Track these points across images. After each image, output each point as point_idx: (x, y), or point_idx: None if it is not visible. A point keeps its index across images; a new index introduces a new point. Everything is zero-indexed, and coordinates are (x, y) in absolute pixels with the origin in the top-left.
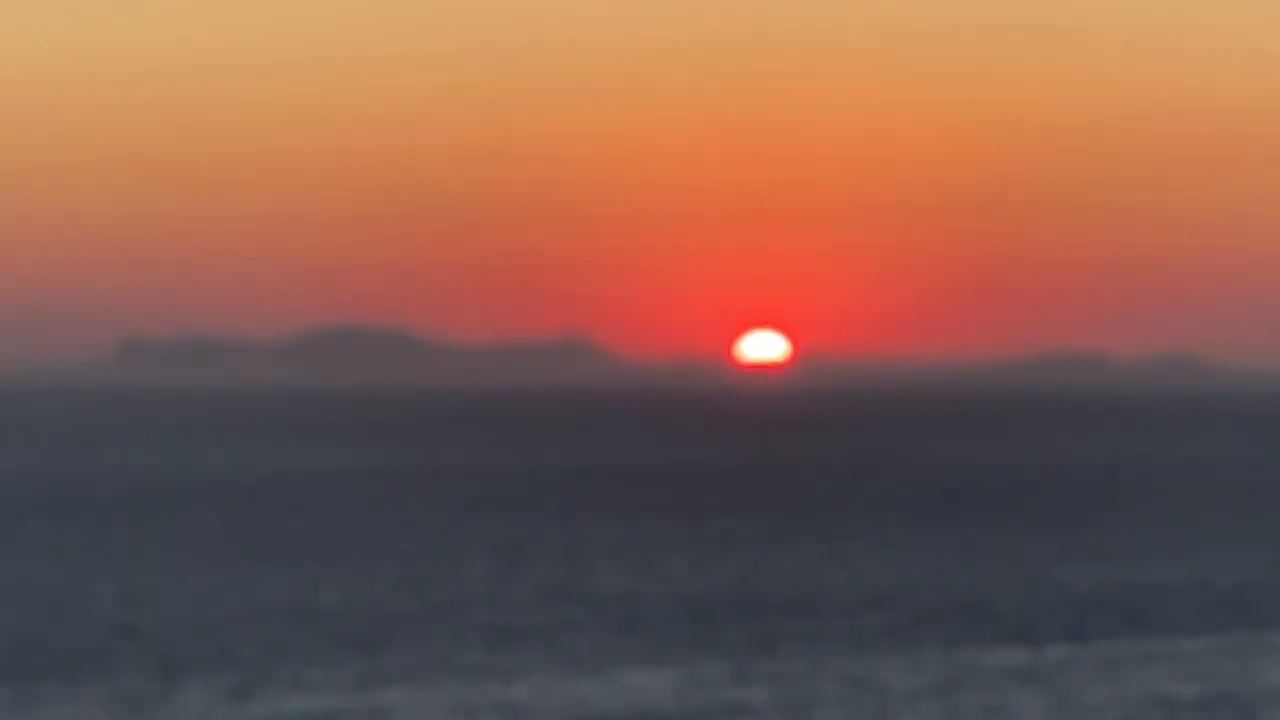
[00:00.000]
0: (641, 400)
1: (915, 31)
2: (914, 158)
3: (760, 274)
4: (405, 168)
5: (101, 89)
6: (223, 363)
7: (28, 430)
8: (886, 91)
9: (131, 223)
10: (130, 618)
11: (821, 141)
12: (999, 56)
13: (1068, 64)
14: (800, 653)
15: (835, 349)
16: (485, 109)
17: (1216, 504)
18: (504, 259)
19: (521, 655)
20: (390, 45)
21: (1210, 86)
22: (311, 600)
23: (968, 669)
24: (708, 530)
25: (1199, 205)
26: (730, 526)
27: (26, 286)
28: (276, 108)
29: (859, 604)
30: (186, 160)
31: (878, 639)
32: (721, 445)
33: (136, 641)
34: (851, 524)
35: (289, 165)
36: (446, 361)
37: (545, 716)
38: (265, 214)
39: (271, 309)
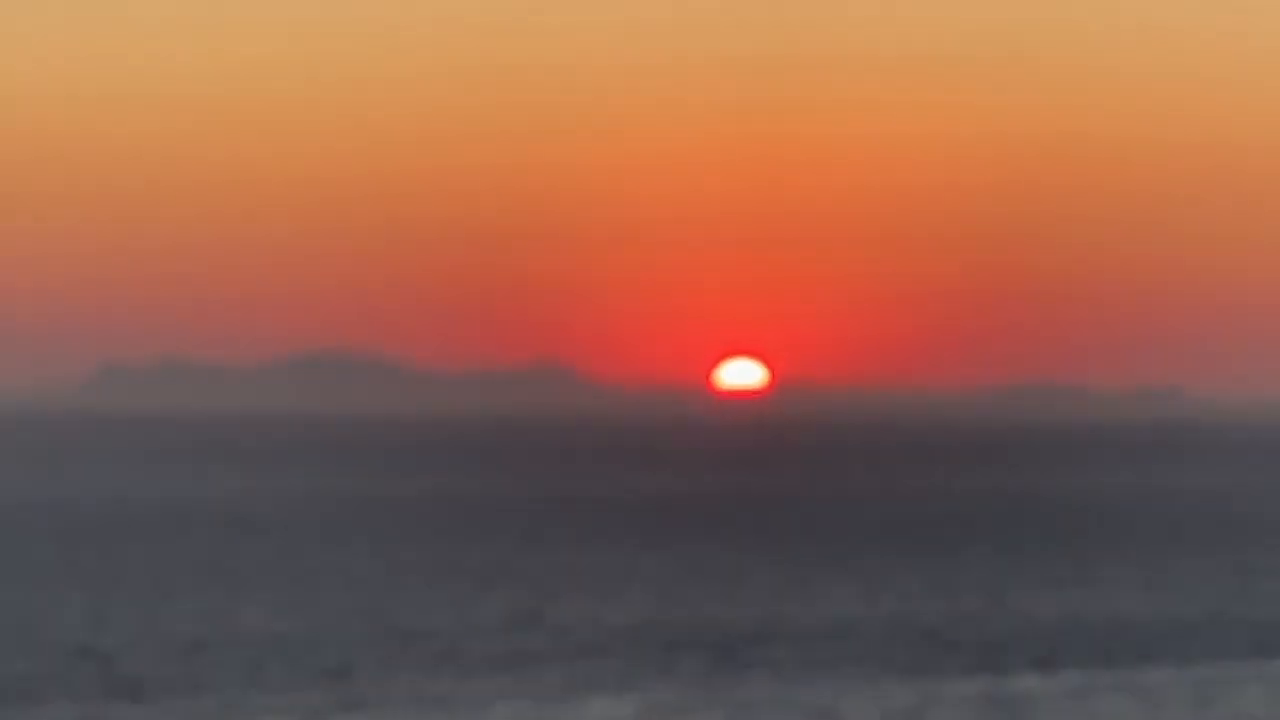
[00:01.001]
0: (616, 427)
1: (897, 62)
2: (894, 188)
3: (739, 301)
4: (383, 193)
5: (79, 113)
6: (200, 388)
7: (2, 454)
8: (867, 121)
9: (109, 246)
10: (97, 642)
11: (802, 170)
12: (982, 88)
13: (1051, 97)
14: (764, 682)
15: (814, 377)
16: (462, 135)
17: (1188, 535)
18: (480, 284)
19: (486, 683)
20: (370, 70)
21: (1196, 121)
22: (279, 627)
23: (933, 699)
24: (676, 558)
25: (1181, 238)
26: (699, 555)
27: (3, 310)
28: (256, 133)
29: (824, 633)
30: (164, 185)
31: (842, 668)
32: (694, 473)
33: (102, 666)
34: (820, 553)
35: (266, 190)
36: (423, 387)
37: None
38: (242, 239)
39: (249, 334)
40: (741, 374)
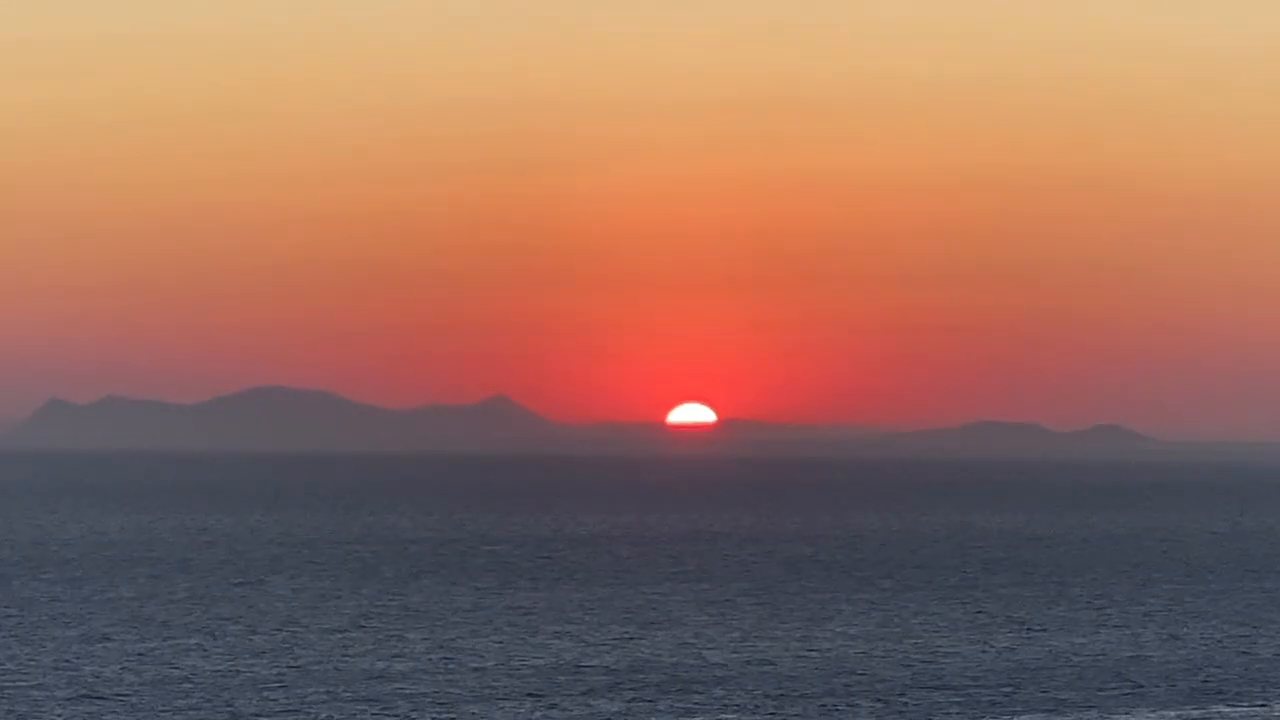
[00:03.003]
0: (568, 463)
1: (847, 100)
2: (848, 227)
3: (688, 342)
4: (329, 231)
5: (23, 151)
6: (142, 425)
7: None
8: (817, 161)
9: (54, 285)
10: (55, 684)
11: (749, 211)
12: (928, 122)
13: (1003, 130)
14: None
15: (766, 416)
16: (413, 172)
17: (1149, 575)
18: (433, 322)
19: None
20: (320, 105)
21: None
22: (241, 668)
23: None
24: (638, 598)
25: (1136, 279)
26: (661, 595)
27: None
28: (198, 167)
29: (785, 675)
30: (105, 225)
31: (803, 712)
32: (651, 511)
33: (52, 709)
34: (781, 594)
35: (210, 227)
36: (371, 424)
37: None
38: (188, 278)
39: (193, 372)
40: (691, 413)
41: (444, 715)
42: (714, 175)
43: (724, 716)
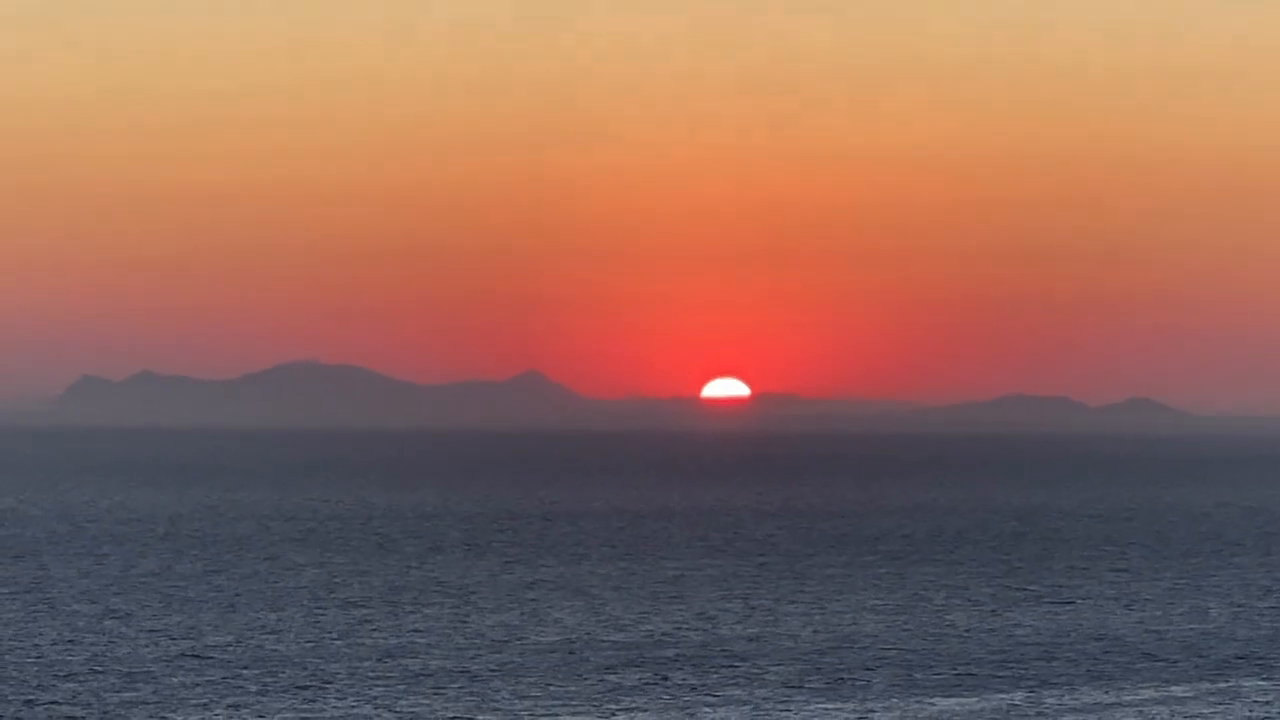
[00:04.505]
0: (599, 438)
1: (885, 75)
2: (881, 202)
3: (722, 316)
4: (361, 208)
5: (57, 129)
6: (175, 402)
7: None
8: (852, 136)
9: (88, 261)
10: (69, 660)
11: (785, 187)
12: (958, 100)
13: (1035, 105)
14: (746, 700)
15: (800, 391)
16: (449, 148)
17: (1171, 550)
18: (466, 298)
19: (462, 702)
20: (351, 84)
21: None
22: (253, 644)
23: (912, 718)
24: (660, 573)
25: (1168, 252)
26: (683, 570)
27: None
28: (232, 143)
29: (807, 650)
30: (140, 201)
31: (825, 686)
32: (679, 486)
33: (75, 684)
34: (804, 568)
35: (242, 204)
36: (403, 400)
37: None
38: (220, 255)
39: (225, 348)
40: (723, 388)
41: (463, 689)
42: (752, 149)
43: (741, 691)
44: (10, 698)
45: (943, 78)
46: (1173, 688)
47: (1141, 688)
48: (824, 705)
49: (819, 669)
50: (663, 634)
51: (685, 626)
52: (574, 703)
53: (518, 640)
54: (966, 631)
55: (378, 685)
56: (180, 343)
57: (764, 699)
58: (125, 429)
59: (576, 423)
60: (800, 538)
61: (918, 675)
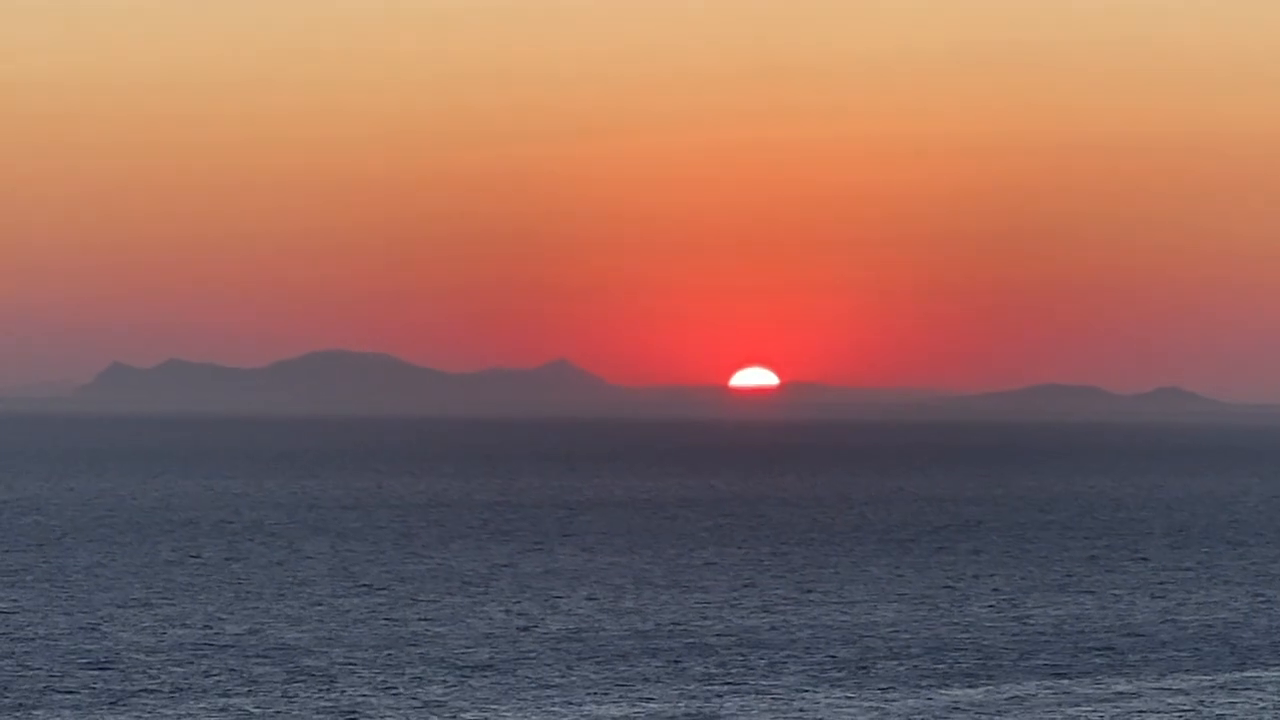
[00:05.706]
0: (627, 427)
1: (902, 63)
2: (911, 191)
3: (750, 305)
4: (389, 195)
5: (85, 120)
6: (203, 389)
7: (5, 455)
8: (877, 124)
9: (118, 249)
10: (89, 648)
11: (813, 174)
12: (986, 86)
13: (1059, 94)
14: (763, 689)
15: (829, 379)
16: (478, 137)
17: (1191, 538)
18: (495, 286)
19: (479, 689)
20: (379, 70)
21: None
22: (272, 632)
23: (930, 708)
24: (680, 562)
25: (1198, 241)
26: (706, 559)
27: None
28: (258, 130)
29: (827, 639)
30: (169, 190)
31: (842, 675)
32: (704, 475)
33: (94, 671)
34: (825, 557)
35: (270, 191)
36: (431, 387)
37: None
38: (248, 242)
39: (254, 335)
40: (753, 376)
41: (483, 677)
42: (782, 137)
43: (761, 680)
44: (30, 685)
45: (975, 65)
46: (1194, 677)
47: (1163, 677)
48: (844, 694)
49: (838, 658)
50: (682, 623)
51: (705, 615)
52: (592, 691)
53: (536, 628)
54: (987, 621)
55: (396, 673)
56: (209, 330)
57: (783, 688)
58: (153, 416)
59: (604, 411)
60: (822, 526)
61: (938, 665)
